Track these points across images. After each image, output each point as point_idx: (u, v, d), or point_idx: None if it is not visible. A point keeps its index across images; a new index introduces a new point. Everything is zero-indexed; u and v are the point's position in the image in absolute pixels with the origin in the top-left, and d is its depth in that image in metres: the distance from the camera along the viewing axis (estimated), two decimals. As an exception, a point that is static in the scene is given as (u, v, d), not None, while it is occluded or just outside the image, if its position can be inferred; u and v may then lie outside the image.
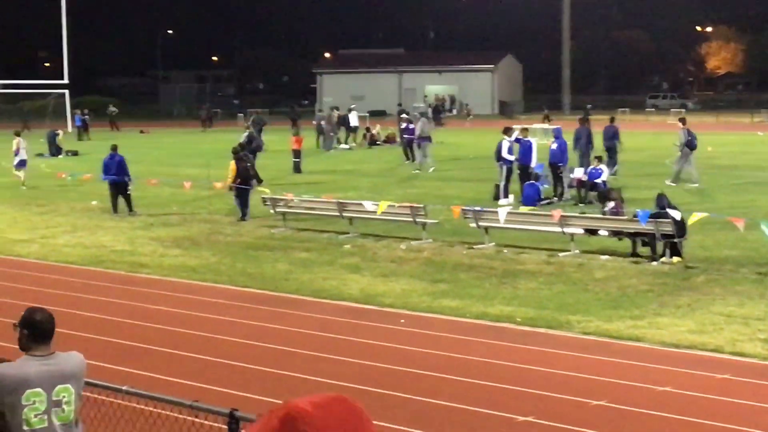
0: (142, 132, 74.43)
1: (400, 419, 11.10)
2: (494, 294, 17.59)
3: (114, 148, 29.47)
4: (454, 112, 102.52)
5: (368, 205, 23.77)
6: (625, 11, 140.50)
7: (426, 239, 22.90)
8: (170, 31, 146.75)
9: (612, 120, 39.60)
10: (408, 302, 17.13)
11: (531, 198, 28.63)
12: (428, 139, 42.68)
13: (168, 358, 13.92)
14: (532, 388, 12.20)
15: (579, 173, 30.96)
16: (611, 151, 36.91)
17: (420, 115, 53.18)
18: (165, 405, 7.26)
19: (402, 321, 15.91)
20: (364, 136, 58.82)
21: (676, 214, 19.83)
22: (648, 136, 57.74)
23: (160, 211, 29.28)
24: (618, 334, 14.72)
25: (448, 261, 20.77)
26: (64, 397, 6.80)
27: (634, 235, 20.65)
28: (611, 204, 22.83)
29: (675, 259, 19.78)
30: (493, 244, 22.13)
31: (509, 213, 22.33)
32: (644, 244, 20.49)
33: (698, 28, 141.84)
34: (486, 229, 22.38)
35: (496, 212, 22.56)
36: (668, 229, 19.71)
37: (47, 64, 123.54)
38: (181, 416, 8.03)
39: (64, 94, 76.95)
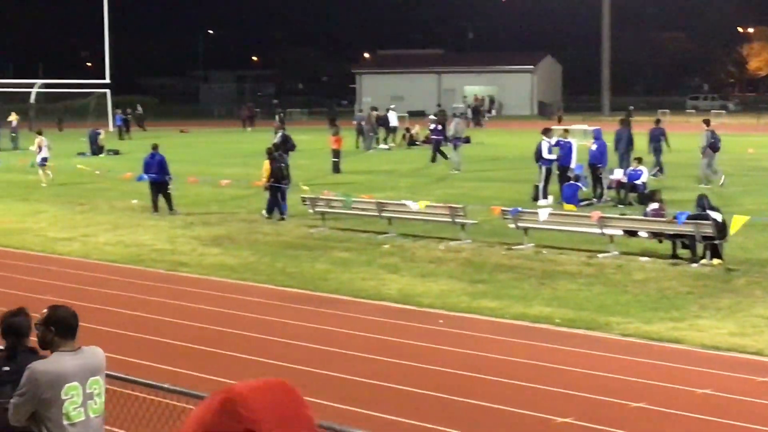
0: (182, 131, 74.74)
1: (440, 420, 11.11)
2: (533, 295, 17.55)
3: (155, 147, 29.63)
4: (493, 113, 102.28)
5: (412, 204, 23.81)
6: (665, 12, 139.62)
7: (465, 239, 22.88)
8: (211, 32, 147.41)
9: (658, 122, 39.46)
10: (446, 302, 17.12)
11: (570, 199, 28.54)
12: (462, 139, 42.61)
13: (207, 356, 13.98)
14: (572, 389, 12.16)
15: (618, 174, 30.83)
16: (657, 152, 36.87)
17: (454, 115, 53.20)
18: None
19: (440, 321, 15.90)
20: (404, 136, 58.84)
21: (717, 216, 19.69)
22: (688, 138, 57.29)
23: (200, 210, 29.42)
24: (658, 336, 14.65)
25: (487, 261, 20.74)
26: (95, 389, 6.99)
27: (674, 237, 20.53)
28: (654, 205, 22.66)
29: (715, 261, 19.65)
30: (532, 244, 22.08)
31: (549, 214, 22.30)
32: (684, 246, 20.37)
33: (740, 29, 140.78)
34: (525, 229, 22.34)
35: (536, 213, 22.52)
36: (708, 230, 19.58)
37: (89, 64, 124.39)
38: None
39: (105, 93, 77.48)
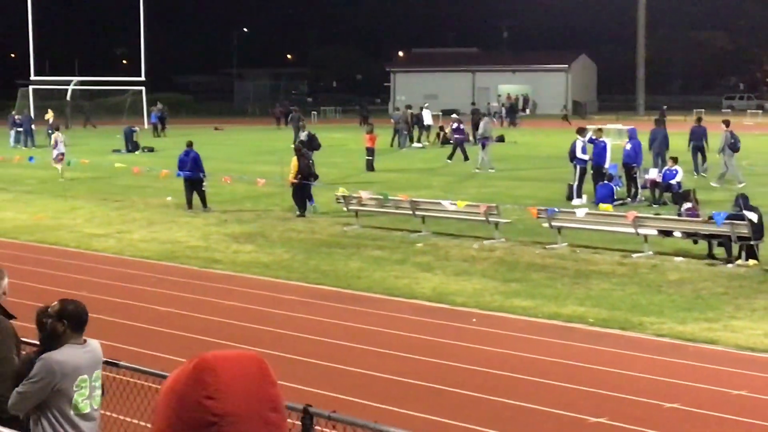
0: (216, 129, 74.95)
1: (473, 418, 11.10)
2: (567, 294, 17.50)
3: (189, 144, 29.78)
4: (527, 111, 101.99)
5: (447, 204, 23.81)
6: (701, 10, 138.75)
7: (499, 239, 22.84)
8: (245, 29, 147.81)
9: (699, 120, 39.25)
10: (480, 301, 17.11)
11: (604, 198, 28.42)
12: (490, 139, 42.52)
13: (241, 353, 14.00)
14: (605, 389, 12.13)
15: (653, 174, 30.68)
16: (701, 151, 36.74)
17: (483, 114, 53.13)
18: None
19: (474, 320, 15.89)
20: (438, 135, 58.77)
21: (753, 216, 19.54)
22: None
23: (234, 207, 29.53)
24: (692, 336, 14.57)
25: (520, 261, 20.70)
26: (97, 382, 7.11)
27: (709, 237, 20.41)
28: (688, 205, 22.54)
29: (751, 261, 19.52)
30: (566, 244, 22.02)
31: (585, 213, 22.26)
32: (720, 244, 20.24)
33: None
34: (559, 229, 22.28)
35: (570, 213, 22.46)
36: (744, 231, 19.45)
37: (125, 62, 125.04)
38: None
39: (141, 91, 77.89)
